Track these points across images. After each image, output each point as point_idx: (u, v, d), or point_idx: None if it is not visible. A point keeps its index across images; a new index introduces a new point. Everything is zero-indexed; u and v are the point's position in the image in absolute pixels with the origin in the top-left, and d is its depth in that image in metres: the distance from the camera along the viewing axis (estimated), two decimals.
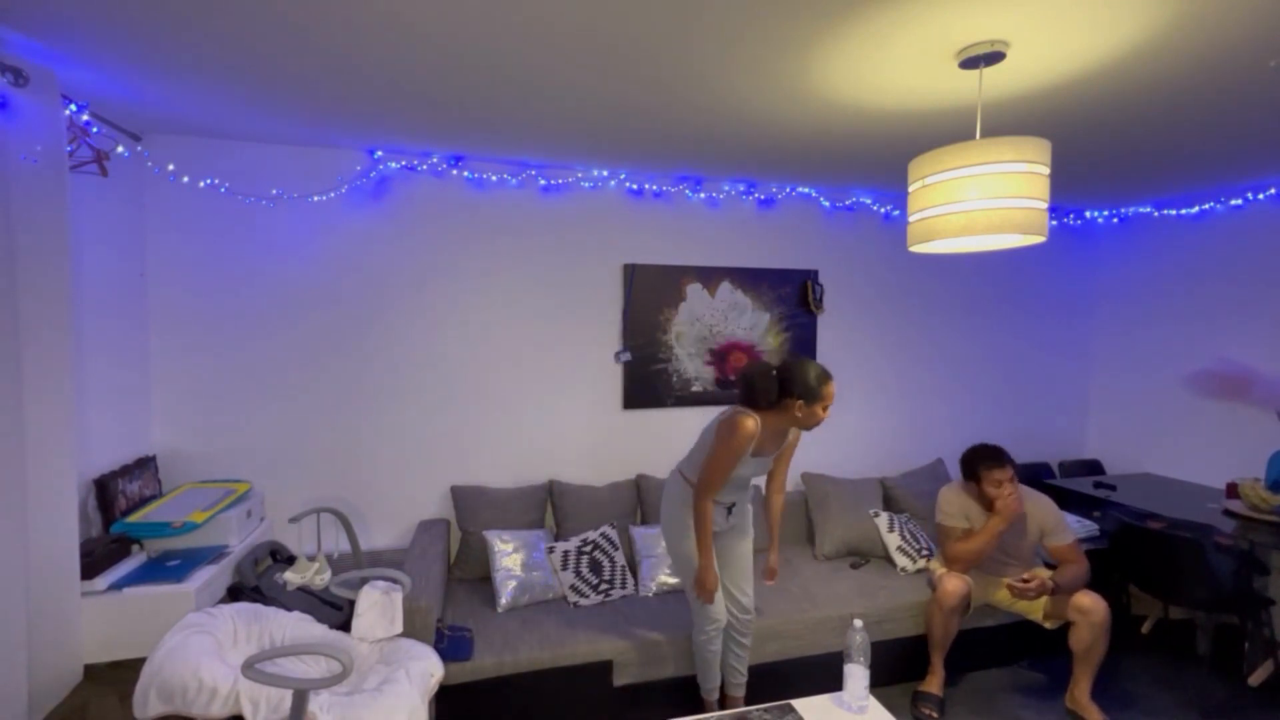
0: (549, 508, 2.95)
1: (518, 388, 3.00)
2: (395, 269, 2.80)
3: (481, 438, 2.97)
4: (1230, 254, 3.32)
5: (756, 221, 3.30)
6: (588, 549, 2.68)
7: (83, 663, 1.85)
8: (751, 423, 2.00)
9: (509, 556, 2.59)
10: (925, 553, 2.92)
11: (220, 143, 2.56)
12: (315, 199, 2.66)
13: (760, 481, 2.96)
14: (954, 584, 2.44)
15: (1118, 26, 1.54)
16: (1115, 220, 3.89)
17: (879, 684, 2.48)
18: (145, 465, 2.41)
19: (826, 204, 3.39)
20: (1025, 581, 2.37)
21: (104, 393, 2.25)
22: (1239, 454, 3.23)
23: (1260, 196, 3.17)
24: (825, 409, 2.04)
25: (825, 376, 2.03)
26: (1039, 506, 2.50)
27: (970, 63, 1.70)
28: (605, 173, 2.99)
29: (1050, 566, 2.58)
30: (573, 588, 2.57)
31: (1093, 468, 3.83)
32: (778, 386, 2.04)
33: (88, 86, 1.98)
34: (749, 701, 2.32)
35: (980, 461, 2.48)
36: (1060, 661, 2.69)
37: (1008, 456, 2.47)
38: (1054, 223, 3.86)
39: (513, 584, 2.52)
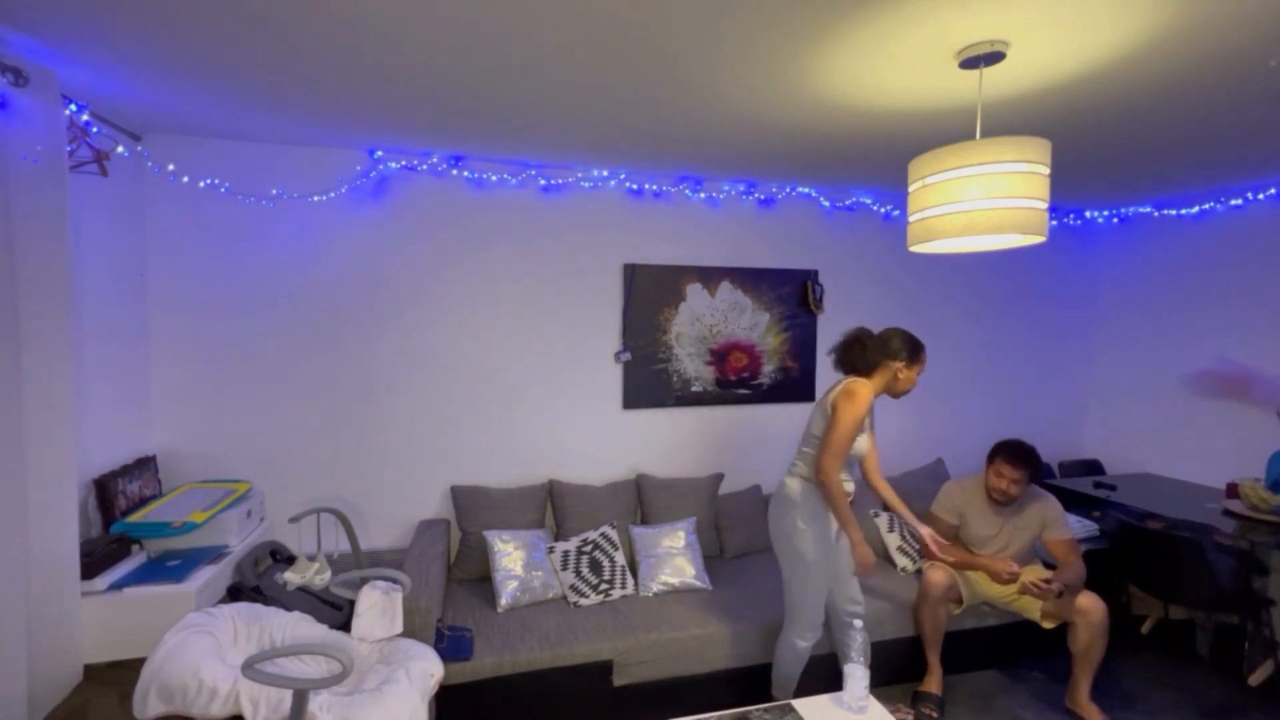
0: (549, 508, 2.95)
1: (518, 388, 3.00)
2: (395, 269, 2.80)
3: (481, 438, 2.97)
4: (1230, 254, 3.32)
5: (756, 221, 3.30)
6: (588, 549, 2.68)
7: (83, 663, 1.86)
8: (866, 388, 2.08)
9: (509, 556, 2.59)
10: None
11: (220, 143, 2.56)
12: (315, 199, 2.66)
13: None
14: (937, 575, 2.46)
15: (1117, 26, 1.54)
16: (1115, 220, 3.89)
17: (879, 684, 2.48)
18: (145, 465, 2.41)
19: (826, 204, 3.39)
20: (1047, 582, 2.34)
21: (104, 393, 2.25)
22: (1239, 454, 3.22)
23: (1260, 196, 3.17)
24: (919, 374, 2.19)
25: (922, 344, 2.20)
26: (1045, 502, 2.52)
27: (970, 63, 1.70)
28: (605, 173, 2.99)
29: (1049, 567, 2.58)
30: (573, 588, 2.57)
31: (1093, 468, 3.82)
32: (882, 348, 2.15)
33: (88, 86, 1.98)
34: (750, 701, 2.32)
35: (1002, 451, 2.49)
36: (1060, 661, 2.69)
37: (1028, 460, 2.44)
38: (1054, 223, 3.86)
39: (513, 584, 2.52)
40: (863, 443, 2.16)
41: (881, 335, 2.18)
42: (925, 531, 2.37)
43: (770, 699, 2.34)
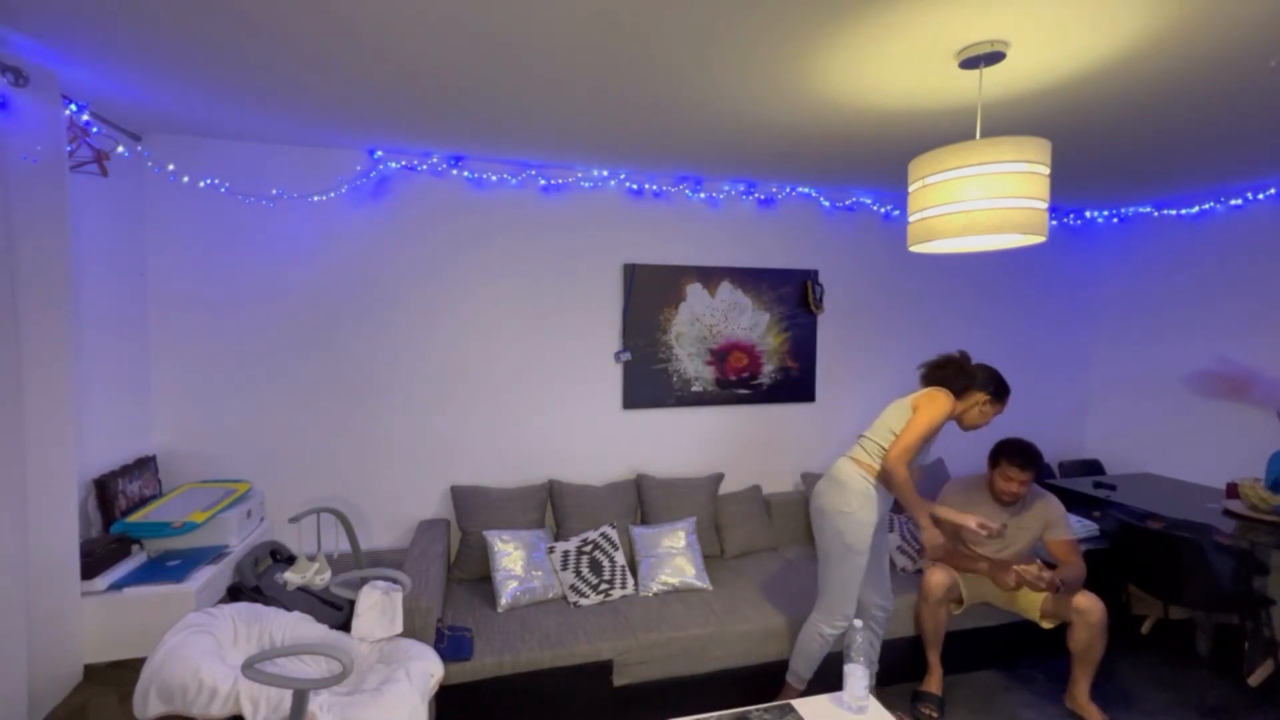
0: (549, 508, 2.95)
1: (518, 387, 3.00)
2: (395, 269, 2.80)
3: (482, 438, 2.97)
4: (1230, 254, 3.32)
5: (756, 221, 3.30)
6: (588, 549, 2.68)
7: (83, 663, 1.85)
8: (949, 400, 2.15)
9: (509, 556, 2.59)
10: None
11: (220, 143, 2.56)
12: (315, 199, 2.66)
13: None
14: (938, 576, 2.47)
15: (1117, 26, 1.54)
16: (1115, 220, 3.89)
17: (879, 684, 2.48)
18: (145, 465, 2.41)
19: (826, 204, 3.39)
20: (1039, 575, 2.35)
21: (104, 392, 2.25)
22: (1239, 454, 3.22)
23: (1260, 196, 3.17)
24: (995, 416, 2.26)
25: (1009, 390, 2.28)
26: (1047, 502, 2.54)
27: (970, 63, 1.70)
28: (605, 173, 2.99)
29: (1050, 566, 2.58)
30: (573, 588, 2.57)
31: (1093, 468, 3.82)
32: (973, 377, 2.22)
33: (88, 86, 1.98)
34: (750, 701, 2.32)
35: (1005, 453, 2.52)
36: (1059, 661, 2.69)
37: (1033, 460, 2.47)
38: (1054, 223, 3.86)
39: (513, 584, 2.52)
40: (926, 453, 2.23)
41: (975, 366, 2.25)
42: (973, 520, 2.24)
43: (783, 686, 2.35)
